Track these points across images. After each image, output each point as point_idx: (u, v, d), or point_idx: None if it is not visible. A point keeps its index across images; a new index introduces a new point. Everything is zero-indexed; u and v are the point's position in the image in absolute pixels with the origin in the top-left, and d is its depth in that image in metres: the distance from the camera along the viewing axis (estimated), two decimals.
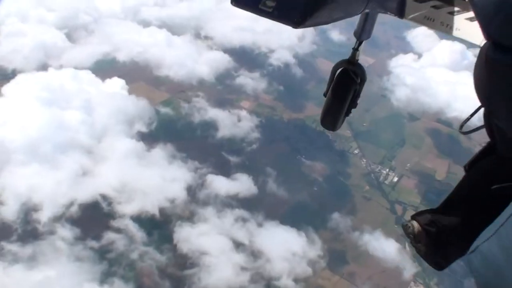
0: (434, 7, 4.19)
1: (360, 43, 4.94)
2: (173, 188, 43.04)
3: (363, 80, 5.00)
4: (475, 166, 2.86)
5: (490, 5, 1.62)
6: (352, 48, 4.95)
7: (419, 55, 71.43)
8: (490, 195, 2.35)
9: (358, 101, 5.19)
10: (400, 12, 4.09)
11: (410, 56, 70.93)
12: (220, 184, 44.56)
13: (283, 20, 2.45)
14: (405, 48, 72.64)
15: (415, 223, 2.95)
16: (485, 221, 2.07)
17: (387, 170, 52.66)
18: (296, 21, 2.40)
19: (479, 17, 1.77)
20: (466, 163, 2.96)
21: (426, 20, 4.25)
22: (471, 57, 67.57)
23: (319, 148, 52.98)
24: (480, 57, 1.95)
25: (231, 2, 2.55)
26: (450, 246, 2.86)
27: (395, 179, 51.74)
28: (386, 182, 51.40)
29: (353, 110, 5.33)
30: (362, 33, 4.80)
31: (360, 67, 4.97)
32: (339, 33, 70.88)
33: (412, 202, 48.91)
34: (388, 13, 4.11)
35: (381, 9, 4.11)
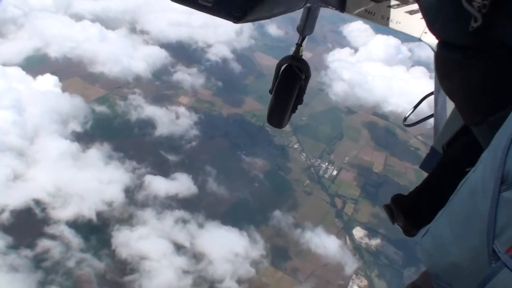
0: (375, 1, 4.24)
1: (303, 39, 4.96)
2: (110, 190, 41.70)
3: (307, 76, 5.03)
4: (451, 146, 2.85)
5: (434, 3, 1.69)
6: (296, 44, 4.94)
7: (356, 50, 72.52)
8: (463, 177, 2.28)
9: (304, 97, 5.18)
10: (341, 6, 4.05)
11: (346, 51, 71.81)
12: (159, 185, 43.50)
13: (223, 15, 2.36)
14: (342, 42, 73.59)
15: (395, 210, 2.98)
16: None
17: (327, 163, 53.23)
18: (237, 16, 2.31)
19: (425, 16, 1.83)
20: (441, 144, 2.97)
21: (367, 14, 4.33)
22: (406, 51, 69.70)
23: (259, 143, 53.05)
24: (435, 54, 1.97)
25: None
26: (424, 224, 2.73)
27: (334, 172, 52.37)
28: (326, 175, 51.93)
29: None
30: (305, 28, 4.78)
31: (304, 62, 4.98)
32: (277, 28, 71.13)
33: (352, 195, 49.69)
34: (329, 7, 4.03)
35: (322, 3, 4.03)
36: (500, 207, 1.06)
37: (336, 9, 4.07)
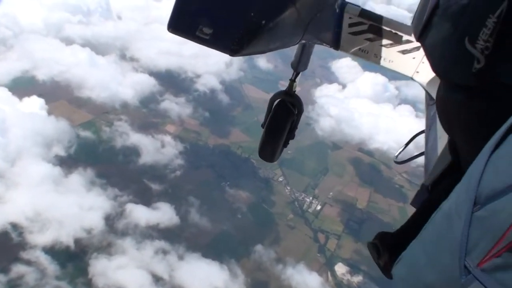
0: (368, 39, 4.30)
1: (297, 74, 4.95)
2: (91, 217, 41.00)
3: (300, 111, 5.03)
4: (437, 186, 2.84)
5: (438, 46, 1.75)
6: (289, 79, 4.94)
7: (344, 86, 72.92)
8: None
9: (296, 132, 5.22)
10: (336, 44, 4.19)
11: (334, 86, 72.16)
12: (140, 214, 42.89)
13: (219, 47, 2.42)
14: (330, 78, 74.02)
15: (379, 248, 2.94)
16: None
17: (311, 198, 52.94)
18: (233, 49, 2.38)
19: (429, 57, 1.88)
20: (428, 182, 2.94)
21: (361, 52, 4.39)
22: (393, 89, 70.45)
23: (244, 175, 52.82)
24: (437, 93, 2.07)
25: (168, 29, 2.47)
26: None
27: (318, 207, 52.12)
28: (310, 210, 51.59)
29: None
30: (299, 64, 4.82)
31: (297, 98, 4.98)
32: (267, 61, 71.59)
33: (335, 231, 49.35)
34: (324, 44, 4.19)
35: (317, 40, 4.13)
36: (473, 226, 1.10)
37: (330, 47, 4.20)
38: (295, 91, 4.99)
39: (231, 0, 2.49)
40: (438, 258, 1.24)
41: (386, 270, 2.88)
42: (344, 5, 4.11)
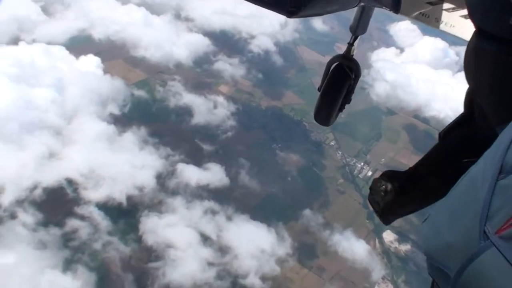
0: (430, 3, 4.19)
1: (355, 38, 4.93)
2: (143, 176, 41.82)
3: (357, 75, 5.01)
4: (449, 135, 2.99)
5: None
6: (347, 43, 4.94)
7: (401, 50, 70.89)
8: (459, 167, 2.36)
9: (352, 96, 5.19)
10: (396, 7, 3.97)
11: (392, 50, 70.27)
12: (191, 174, 43.37)
13: (277, 9, 2.44)
14: (388, 41, 72.05)
15: (388, 185, 3.07)
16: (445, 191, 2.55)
17: (362, 163, 52.56)
18: (291, 11, 2.39)
19: (469, 5, 1.91)
20: (441, 130, 3.07)
21: (421, 16, 4.29)
22: (453, 55, 67.63)
23: (295, 138, 52.50)
24: (469, 43, 2.08)
25: None
26: (406, 208, 3.16)
27: (369, 173, 51.41)
28: (360, 176, 51.24)
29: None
30: (358, 28, 4.78)
31: (355, 62, 4.97)
32: (322, 23, 70.17)
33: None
34: (384, 7, 4.03)
35: (376, 3, 4.08)
36: (496, 193, 1.13)
37: (390, 10, 4.02)
38: (353, 55, 4.98)
39: None
40: (460, 220, 1.25)
41: (385, 211, 3.14)
42: None
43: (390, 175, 3.19)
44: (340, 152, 53.14)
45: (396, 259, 43.33)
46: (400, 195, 3.05)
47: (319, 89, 5.10)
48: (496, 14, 1.66)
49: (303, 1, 2.41)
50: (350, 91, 5.09)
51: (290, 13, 2.42)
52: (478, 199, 1.18)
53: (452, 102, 53.65)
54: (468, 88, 2.73)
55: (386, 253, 43.57)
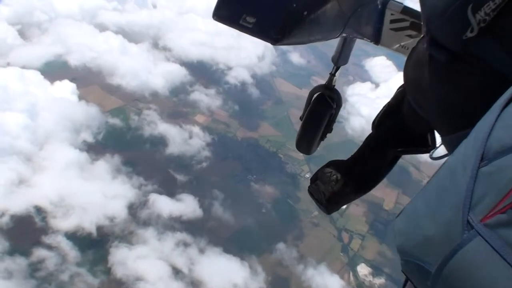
0: (409, 36, 4.22)
1: (337, 69, 4.91)
2: (114, 205, 41.09)
3: (339, 105, 5.00)
4: (382, 124, 3.13)
5: (438, 6, 1.75)
6: (329, 73, 4.90)
7: (376, 85, 71.41)
8: (393, 156, 3.05)
9: (333, 126, 5.25)
10: (376, 39, 4.17)
11: (367, 85, 70.83)
12: (164, 204, 42.80)
13: (262, 36, 2.51)
14: (363, 76, 72.90)
15: (339, 175, 3.25)
16: (380, 179, 3.19)
17: None
18: (275, 38, 2.46)
19: (425, 13, 1.90)
20: (374, 119, 3.21)
21: (401, 48, 4.35)
22: None
23: (270, 169, 52.53)
24: (417, 47, 2.14)
25: (213, 17, 2.55)
26: (348, 198, 3.34)
27: (344, 206, 50.98)
28: None
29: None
30: (340, 58, 4.80)
31: (336, 92, 4.95)
32: (299, 56, 71.03)
33: (359, 231, 48.96)
34: (364, 39, 4.16)
35: (358, 34, 4.09)
36: (478, 181, 1.12)
37: (371, 41, 4.17)
38: (334, 85, 4.95)
39: None
40: (440, 212, 1.22)
41: (331, 201, 3.26)
42: (386, 1, 4.06)
43: (336, 164, 3.36)
44: None
45: None
46: (347, 184, 3.25)
47: (301, 118, 5.05)
48: (452, 27, 1.69)
49: (287, 30, 2.47)
50: (332, 120, 5.11)
51: (274, 40, 2.46)
52: (459, 188, 1.15)
53: None
54: (401, 87, 2.90)
55: (360, 287, 43.37)
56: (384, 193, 53.95)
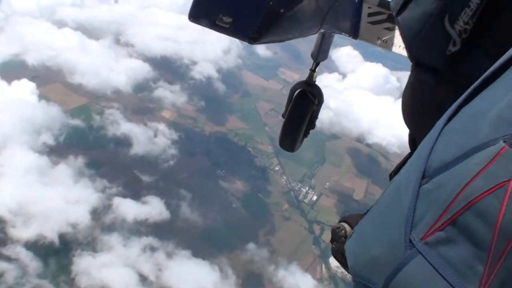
0: (387, 28, 4.36)
1: (317, 65, 5.10)
2: (76, 211, 39.91)
3: (320, 101, 5.21)
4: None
5: (416, 22, 1.72)
6: (310, 70, 5.08)
7: (344, 76, 71.60)
8: None
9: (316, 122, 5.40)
10: (354, 33, 4.24)
11: (334, 76, 70.57)
12: (129, 208, 41.81)
13: (239, 35, 2.53)
14: (330, 66, 72.14)
15: (346, 226, 3.02)
16: None
17: (307, 188, 52.60)
18: (252, 37, 2.46)
19: (404, 35, 1.86)
20: (391, 171, 2.73)
21: (382, 42, 4.46)
22: (394, 81, 68.98)
23: (240, 163, 52.47)
24: (407, 83, 2.09)
25: (189, 18, 2.56)
26: None
27: (315, 197, 51.82)
28: (306, 200, 51.28)
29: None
30: (319, 54, 4.95)
31: (317, 88, 5.13)
32: (266, 48, 70.03)
33: (330, 222, 48.71)
34: (343, 33, 4.22)
35: (336, 30, 4.19)
36: (420, 199, 1.13)
37: (349, 36, 4.25)
38: (315, 81, 5.11)
39: None
40: (385, 231, 1.24)
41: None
42: None
43: (348, 218, 3.15)
44: (285, 177, 53.12)
45: (343, 284, 42.95)
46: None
47: (283, 116, 5.23)
48: (433, 44, 1.65)
49: (264, 28, 2.48)
50: (314, 116, 5.28)
51: (252, 40, 2.48)
52: (402, 207, 1.16)
53: (394, 129, 54.49)
54: (409, 132, 2.68)
55: (333, 279, 43.40)
56: (354, 183, 54.46)
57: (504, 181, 0.93)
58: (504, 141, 0.97)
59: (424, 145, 1.20)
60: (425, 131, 1.85)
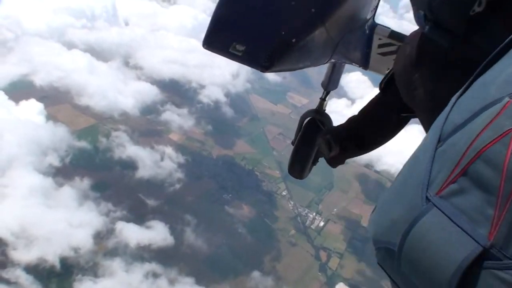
0: None
1: (327, 93, 5.00)
2: (79, 235, 39.54)
3: None
4: (389, 88, 2.88)
5: None
6: (320, 98, 4.99)
7: (352, 101, 71.59)
8: (397, 119, 3.04)
9: None
10: (365, 64, 4.16)
11: (343, 101, 70.77)
12: (132, 232, 41.42)
13: (252, 63, 2.50)
14: (339, 92, 72.23)
15: (334, 143, 3.29)
16: (385, 139, 3.21)
17: (314, 214, 52.38)
18: (264, 66, 2.44)
19: None
20: (381, 80, 3.03)
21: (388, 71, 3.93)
22: None
23: (247, 187, 52.39)
24: (413, 41, 2.12)
25: (203, 45, 2.49)
26: (349, 156, 3.41)
27: (322, 223, 51.56)
28: (313, 226, 50.97)
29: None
30: (329, 83, 4.87)
31: (327, 116, 4.97)
32: (274, 73, 70.49)
33: (337, 249, 48.83)
34: (353, 64, 4.16)
35: (346, 60, 4.10)
36: (435, 160, 1.19)
37: (359, 66, 4.19)
38: (325, 109, 5.03)
39: (264, 18, 2.56)
40: (404, 194, 1.26)
41: (333, 160, 3.40)
42: (374, 26, 4.04)
43: (333, 132, 3.40)
44: (292, 202, 52.87)
45: None
46: (344, 151, 3.31)
47: (292, 143, 5.09)
48: (457, 4, 1.62)
49: (276, 57, 2.42)
50: None
51: (264, 68, 2.41)
52: (420, 170, 1.20)
53: (403, 156, 53.82)
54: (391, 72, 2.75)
55: None
56: (362, 210, 54.10)
57: (509, 129, 0.99)
58: (510, 97, 1.02)
59: (440, 116, 1.24)
60: (416, 98, 2.07)
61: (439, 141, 1.19)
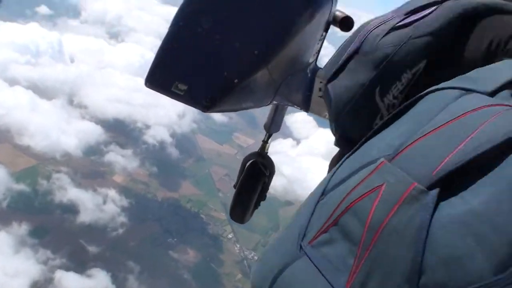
0: None
1: (269, 136, 4.59)
2: (15, 285, 37.50)
3: (272, 173, 4.67)
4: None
5: (346, 92, 1.74)
6: (262, 141, 4.57)
7: (298, 141, 72.88)
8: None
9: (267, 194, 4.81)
10: (306, 106, 3.77)
11: (289, 142, 71.91)
12: (72, 282, 39.83)
13: (193, 103, 2.26)
14: (285, 132, 73.52)
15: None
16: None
17: None
18: (206, 106, 2.23)
19: (331, 107, 1.86)
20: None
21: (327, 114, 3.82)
22: None
23: (192, 231, 51.73)
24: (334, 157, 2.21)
25: (145, 84, 2.18)
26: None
27: None
28: None
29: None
30: (271, 126, 4.47)
31: (269, 160, 4.64)
32: (221, 114, 70.86)
33: None
34: (295, 106, 3.75)
35: (288, 102, 3.81)
36: (315, 212, 1.22)
37: (300, 109, 3.83)
38: (267, 152, 4.69)
39: (207, 58, 2.29)
40: (283, 244, 1.27)
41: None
42: (316, 69, 3.66)
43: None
44: (238, 245, 52.88)
45: None
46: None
47: (234, 187, 4.53)
48: (361, 116, 1.67)
49: (218, 97, 2.25)
50: (265, 188, 4.63)
51: (205, 108, 2.19)
52: (301, 221, 1.21)
53: None
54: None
55: None
56: None
57: (377, 186, 1.04)
58: (385, 158, 1.08)
59: (329, 173, 1.27)
60: None
61: (322, 194, 1.21)
